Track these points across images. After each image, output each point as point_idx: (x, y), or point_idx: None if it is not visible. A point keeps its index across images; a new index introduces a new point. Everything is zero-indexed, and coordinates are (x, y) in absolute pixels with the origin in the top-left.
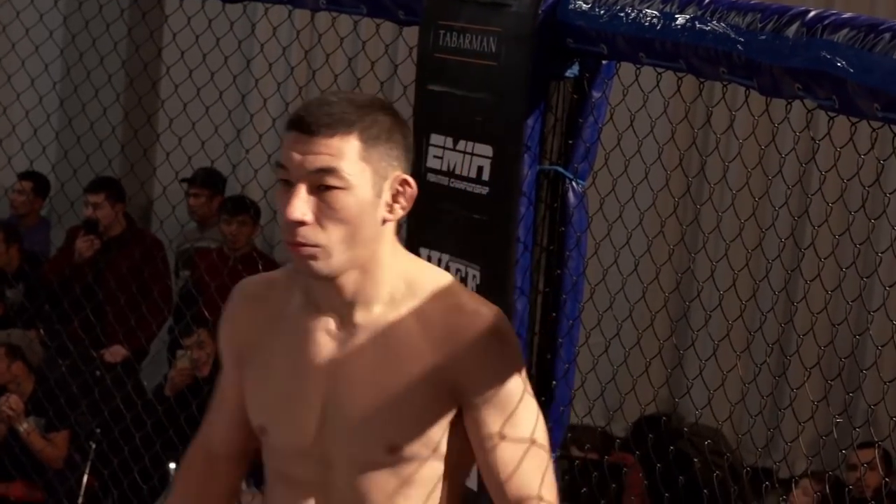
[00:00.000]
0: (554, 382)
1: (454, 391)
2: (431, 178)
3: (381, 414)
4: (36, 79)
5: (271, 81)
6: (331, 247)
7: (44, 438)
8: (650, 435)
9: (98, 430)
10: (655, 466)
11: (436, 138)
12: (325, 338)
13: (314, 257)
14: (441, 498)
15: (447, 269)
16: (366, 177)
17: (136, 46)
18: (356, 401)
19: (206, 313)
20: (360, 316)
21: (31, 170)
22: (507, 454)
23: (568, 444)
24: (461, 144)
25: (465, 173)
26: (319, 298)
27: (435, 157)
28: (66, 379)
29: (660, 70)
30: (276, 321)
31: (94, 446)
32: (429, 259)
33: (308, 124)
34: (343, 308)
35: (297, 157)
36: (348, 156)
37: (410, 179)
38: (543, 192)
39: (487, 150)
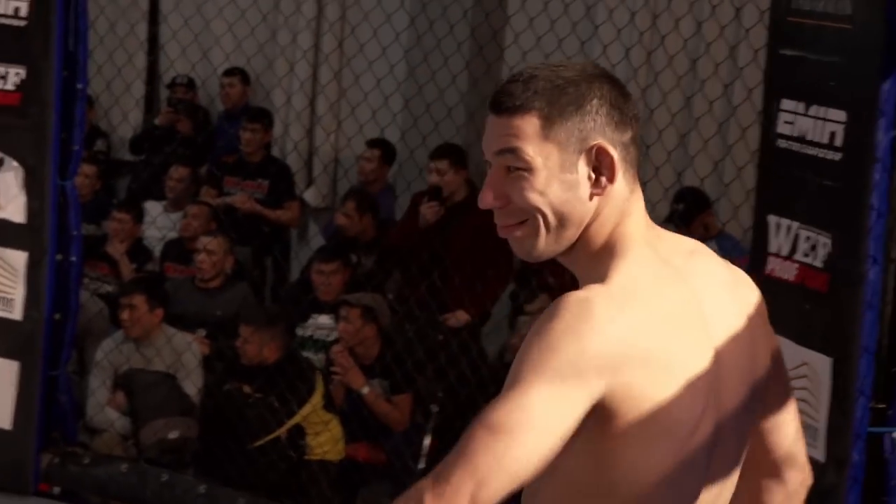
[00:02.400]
0: None
1: None
2: (782, 143)
3: None
4: (387, 48)
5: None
6: (533, 230)
7: (387, 401)
8: None
9: (440, 395)
10: None
11: (787, 103)
12: None
13: (520, 239)
14: None
15: (797, 236)
16: (552, 157)
17: (484, 14)
18: None
19: (551, 278)
20: None
21: (379, 137)
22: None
23: None
24: (813, 109)
25: (817, 139)
26: None
27: (786, 122)
28: (412, 343)
29: None
30: None
31: (436, 410)
32: (777, 227)
33: (493, 103)
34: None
35: (485, 137)
36: (528, 135)
37: (607, 147)
38: None
39: (841, 115)
